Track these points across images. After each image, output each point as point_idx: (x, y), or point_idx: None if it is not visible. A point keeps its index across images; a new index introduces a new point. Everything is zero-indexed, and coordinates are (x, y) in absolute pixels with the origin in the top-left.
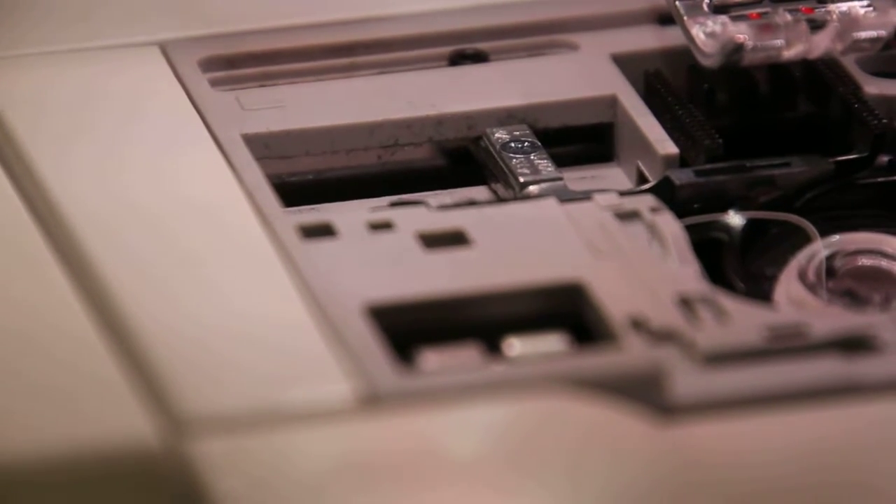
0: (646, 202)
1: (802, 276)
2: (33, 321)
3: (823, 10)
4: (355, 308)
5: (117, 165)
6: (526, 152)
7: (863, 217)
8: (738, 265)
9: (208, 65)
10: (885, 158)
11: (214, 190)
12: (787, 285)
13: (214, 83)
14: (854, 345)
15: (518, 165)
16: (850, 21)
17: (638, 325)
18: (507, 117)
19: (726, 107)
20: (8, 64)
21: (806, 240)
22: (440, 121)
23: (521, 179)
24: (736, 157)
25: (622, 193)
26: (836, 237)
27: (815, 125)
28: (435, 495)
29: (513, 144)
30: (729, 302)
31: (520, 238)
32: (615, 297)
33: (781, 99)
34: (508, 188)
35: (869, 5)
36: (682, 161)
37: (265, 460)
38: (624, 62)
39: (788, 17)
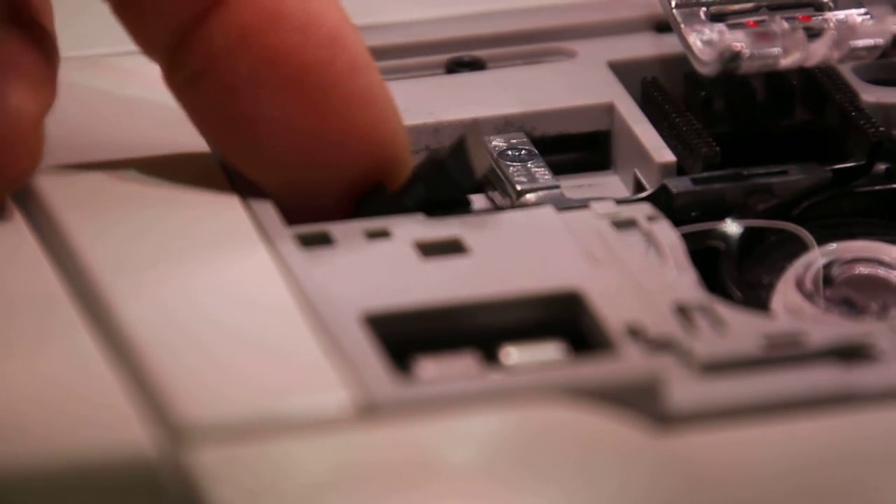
0: (643, 210)
1: (800, 285)
2: (30, 329)
3: (821, 18)
4: (352, 317)
5: (115, 171)
6: (523, 160)
7: (860, 225)
8: (735, 273)
9: None
10: (882, 166)
11: (212, 198)
12: (785, 294)
13: None
14: (851, 353)
15: (515, 173)
16: (847, 29)
17: (635, 333)
18: (504, 125)
19: (723, 115)
20: None
21: (803, 248)
22: (437, 128)
23: (518, 187)
24: (733, 166)
25: (619, 202)
26: (833, 245)
27: (813, 133)
28: None
29: (510, 152)
30: (726, 310)
31: (517, 246)
32: (612, 306)
33: (778, 107)
34: (505, 196)
35: (866, 13)
36: (680, 169)
37: (262, 469)
38: (621, 70)
39: (786, 25)
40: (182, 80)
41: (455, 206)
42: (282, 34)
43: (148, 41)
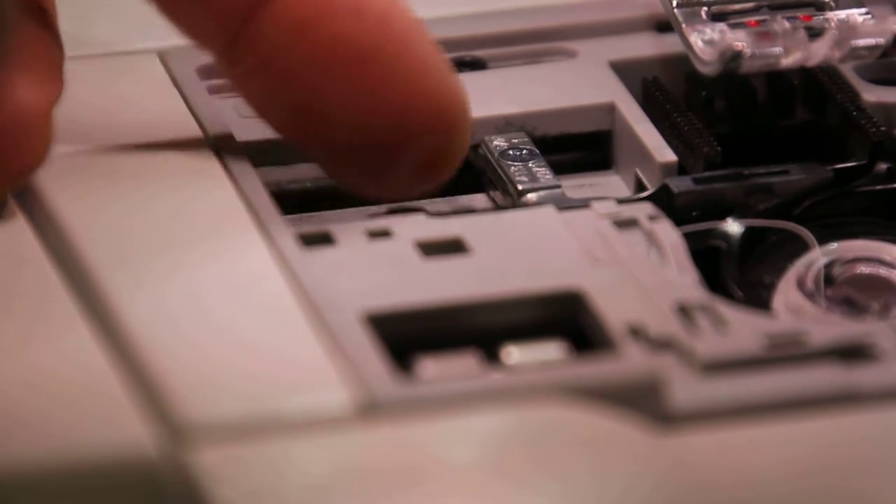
0: (644, 210)
1: (801, 284)
2: (32, 329)
3: (822, 17)
4: (354, 316)
5: (113, 172)
6: (524, 160)
7: (861, 225)
8: (736, 273)
9: (206, 72)
10: (883, 166)
11: (212, 198)
12: (786, 293)
13: (212, 90)
14: (853, 353)
15: (516, 173)
16: (848, 29)
17: (636, 333)
18: (505, 125)
19: (724, 114)
20: None
21: (804, 248)
22: None
23: (520, 187)
24: (734, 165)
25: (620, 201)
26: (834, 245)
27: (814, 133)
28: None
29: (511, 152)
30: (727, 310)
31: (518, 246)
32: (613, 305)
33: (780, 106)
34: (507, 196)
35: (867, 13)
36: (681, 169)
37: (264, 468)
38: (622, 69)
39: (787, 24)
40: (240, 74)
41: None
42: (335, 21)
43: (201, 38)
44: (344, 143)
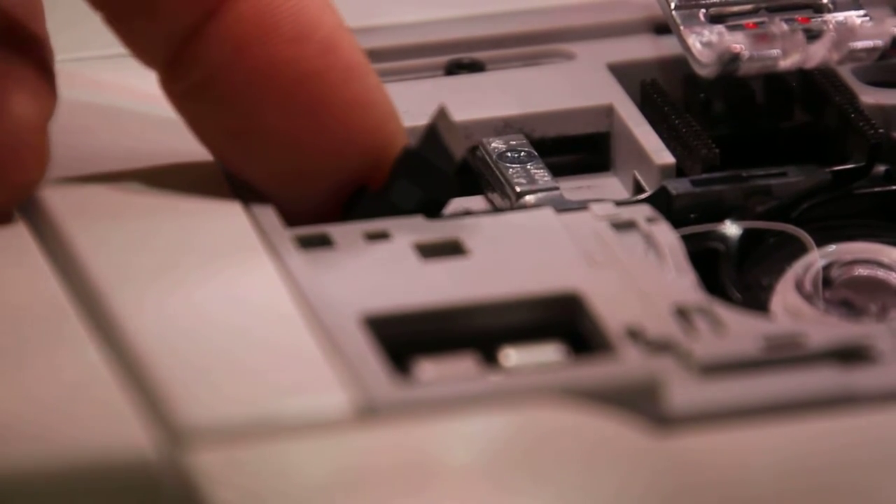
0: (642, 212)
1: (799, 286)
2: (32, 332)
3: (820, 19)
4: (352, 318)
5: (117, 180)
6: (522, 162)
7: (859, 227)
8: (734, 275)
9: None
10: (881, 168)
11: (211, 200)
12: (784, 295)
13: None
14: (851, 355)
15: (514, 175)
16: (846, 31)
17: (634, 335)
18: (503, 127)
19: (723, 116)
20: None
21: (802, 250)
22: None
23: (518, 189)
24: (732, 167)
25: (618, 203)
26: (832, 247)
27: (812, 135)
28: None
29: (509, 154)
30: (725, 312)
31: (516, 248)
32: (611, 307)
33: (778, 108)
34: (505, 198)
35: (865, 15)
36: (679, 171)
37: (262, 471)
38: (620, 72)
39: (785, 26)
40: (179, 92)
41: (441, 203)
42: (276, 45)
43: (143, 53)
44: (276, 171)
